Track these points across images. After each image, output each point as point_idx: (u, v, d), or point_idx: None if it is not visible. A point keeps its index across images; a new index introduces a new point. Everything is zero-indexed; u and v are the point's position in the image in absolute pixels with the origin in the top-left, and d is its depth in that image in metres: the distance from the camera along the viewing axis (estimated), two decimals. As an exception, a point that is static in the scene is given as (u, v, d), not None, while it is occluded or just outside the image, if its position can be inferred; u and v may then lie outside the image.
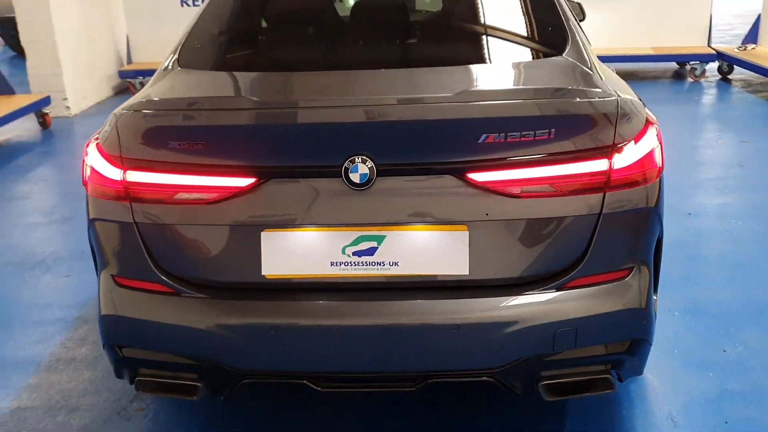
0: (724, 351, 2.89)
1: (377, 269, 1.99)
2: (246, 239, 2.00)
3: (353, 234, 1.98)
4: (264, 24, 2.61)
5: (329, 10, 2.71)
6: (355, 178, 1.91)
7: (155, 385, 2.17)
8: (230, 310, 2.03)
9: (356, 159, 1.89)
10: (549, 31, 2.48)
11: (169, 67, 2.39)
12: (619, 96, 2.01)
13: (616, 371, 2.10)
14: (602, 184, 1.94)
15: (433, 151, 1.93)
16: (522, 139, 1.89)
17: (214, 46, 2.49)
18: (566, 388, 2.08)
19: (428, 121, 1.94)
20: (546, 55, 2.28)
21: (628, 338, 2.05)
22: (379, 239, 1.98)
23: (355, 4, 2.75)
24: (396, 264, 1.99)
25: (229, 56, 2.43)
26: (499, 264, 1.98)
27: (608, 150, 1.94)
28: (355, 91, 2.18)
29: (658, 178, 2.04)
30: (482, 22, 2.60)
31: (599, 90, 2.00)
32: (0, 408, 2.70)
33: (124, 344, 2.13)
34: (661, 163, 2.07)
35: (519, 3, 2.69)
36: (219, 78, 2.33)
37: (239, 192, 1.97)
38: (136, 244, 2.06)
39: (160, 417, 2.59)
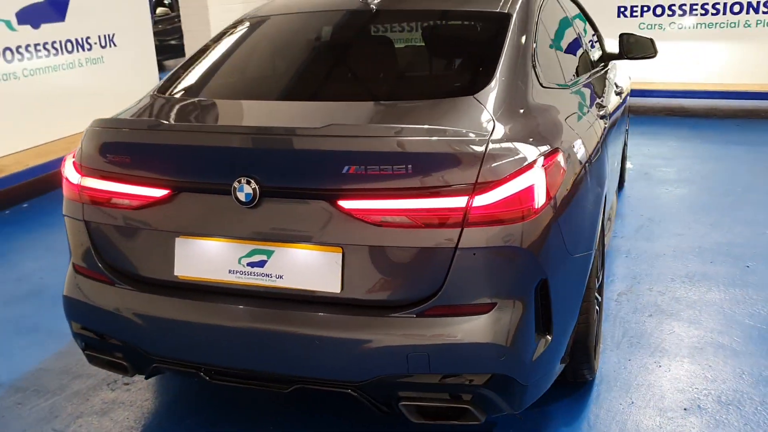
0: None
1: (265, 280, 2.24)
2: (164, 243, 2.33)
3: (248, 247, 2.24)
4: (232, 58, 2.92)
5: (292, 49, 2.98)
6: (241, 196, 2.17)
7: (97, 360, 2.55)
8: (147, 302, 2.36)
9: (242, 180, 2.16)
10: (473, 72, 2.59)
11: (150, 92, 2.78)
12: (490, 139, 2.11)
13: (480, 404, 2.18)
14: (460, 220, 2.06)
15: (307, 178, 2.15)
16: (381, 172, 2.07)
17: (184, 76, 2.85)
18: (431, 412, 2.20)
19: (299, 151, 2.16)
20: (453, 95, 2.40)
21: (484, 372, 2.13)
22: (269, 253, 2.23)
23: (305, 43, 2.99)
24: (281, 277, 2.22)
25: (187, 85, 2.77)
26: (368, 286, 2.16)
27: (469, 188, 2.05)
28: (257, 119, 2.42)
29: (532, 219, 2.11)
30: (408, 61, 2.76)
31: (470, 132, 2.11)
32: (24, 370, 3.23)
33: (76, 321, 2.53)
34: (541, 204, 2.14)
35: (456, 43, 2.82)
36: (168, 103, 2.67)
37: (157, 201, 2.31)
38: (85, 239, 2.46)
39: (141, 390, 2.99)
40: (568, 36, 3.62)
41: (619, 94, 4.00)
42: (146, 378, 2.51)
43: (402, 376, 2.15)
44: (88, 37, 7.09)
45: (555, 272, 2.26)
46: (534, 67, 2.65)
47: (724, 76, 8.29)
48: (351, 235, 2.13)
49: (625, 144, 5.59)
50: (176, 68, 2.93)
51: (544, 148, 2.26)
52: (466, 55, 2.75)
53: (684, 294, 3.72)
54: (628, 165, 6.21)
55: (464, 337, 2.10)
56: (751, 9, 7.97)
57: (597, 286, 2.92)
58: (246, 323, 2.24)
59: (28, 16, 6.40)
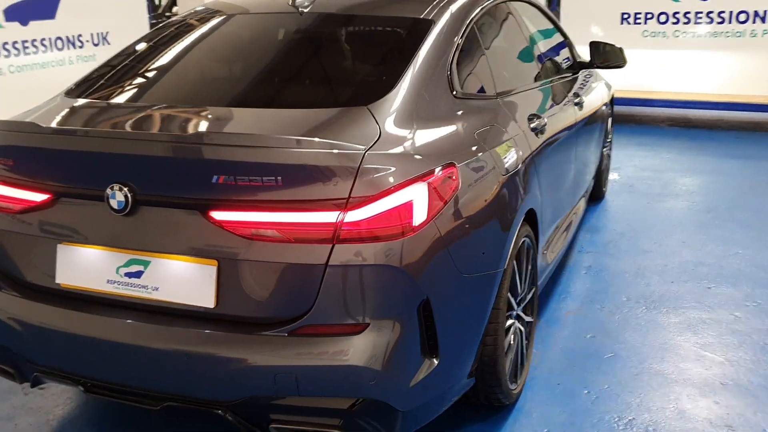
0: None
1: (141, 292, 2.16)
2: (47, 249, 2.26)
3: (126, 256, 2.17)
4: (144, 60, 2.85)
5: (200, 52, 2.90)
6: (113, 203, 2.10)
7: None
8: (29, 308, 2.29)
9: (115, 186, 2.08)
10: (376, 81, 2.48)
11: (58, 94, 2.72)
12: (367, 153, 2.00)
13: (351, 429, 2.07)
14: (330, 236, 1.96)
15: (179, 187, 2.07)
16: (250, 183, 1.98)
17: (95, 77, 2.78)
18: None
19: (170, 158, 2.08)
20: (348, 104, 2.29)
21: (353, 396, 2.03)
22: (146, 264, 2.15)
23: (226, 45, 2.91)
24: (156, 289, 2.14)
25: (92, 86, 2.70)
26: (241, 302, 2.07)
27: (341, 203, 1.95)
28: (138, 124, 2.34)
29: (410, 237, 2.01)
30: (315, 67, 2.66)
31: (346, 144, 2.01)
32: None
33: None
34: (421, 222, 2.03)
35: (369, 50, 2.72)
36: (65, 105, 2.59)
37: (38, 206, 2.24)
38: None
39: (54, 395, 2.93)
40: (516, 45, 3.49)
41: (579, 104, 3.85)
42: (32, 386, 2.45)
43: (272, 398, 2.05)
44: (79, 35, 7.11)
45: (440, 293, 2.14)
46: (449, 76, 2.54)
47: (730, 87, 8.04)
48: (224, 248, 2.04)
49: (607, 155, 5.43)
50: (95, 68, 2.87)
51: (433, 163, 2.15)
52: (374, 63, 2.65)
53: (634, 315, 3.57)
54: (614, 176, 6.04)
55: (332, 359, 2.00)
56: (758, 18, 7.71)
57: (519, 305, 2.80)
58: (119, 336, 2.16)
59: (17, 13, 6.44)
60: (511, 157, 2.62)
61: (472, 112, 2.58)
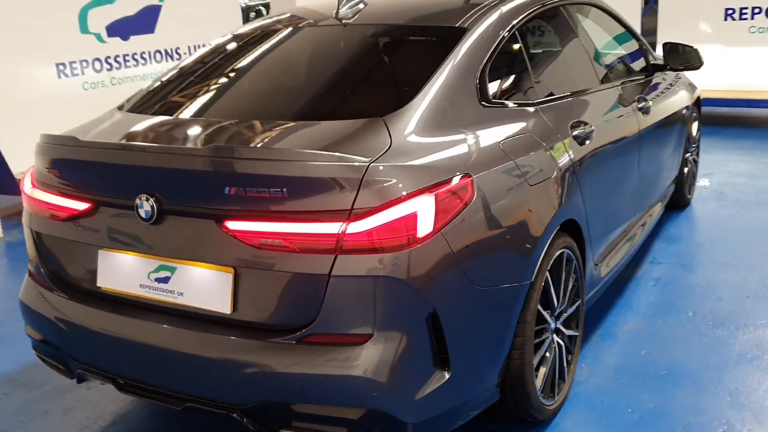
0: None
1: (169, 296, 2.27)
2: (89, 254, 2.43)
3: (156, 262, 2.29)
4: (194, 74, 2.97)
5: (240, 66, 2.98)
6: (141, 213, 2.22)
7: (44, 361, 2.69)
8: (74, 309, 2.46)
9: (143, 197, 2.20)
10: (398, 91, 2.48)
11: (114, 108, 2.90)
12: (372, 164, 2.02)
13: None
14: (334, 246, 1.99)
15: (197, 198, 2.16)
16: (259, 194, 2.04)
17: (148, 91, 2.93)
18: None
19: (190, 171, 2.17)
20: (363, 116, 2.31)
21: (358, 406, 2.05)
22: (172, 270, 2.27)
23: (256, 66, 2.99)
24: (182, 294, 2.25)
25: (142, 100, 2.85)
26: (255, 309, 2.14)
27: (344, 214, 1.98)
28: (168, 137, 2.45)
29: (414, 248, 2.01)
30: (341, 78, 2.68)
31: (351, 156, 2.03)
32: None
33: (27, 324, 2.69)
34: (426, 233, 2.03)
35: (397, 60, 2.72)
36: (110, 119, 2.75)
37: (81, 214, 2.40)
38: (32, 247, 2.61)
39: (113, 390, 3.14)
40: (569, 50, 3.39)
41: (644, 110, 3.68)
42: (78, 382, 2.62)
43: (282, 403, 2.11)
44: (177, 48, 7.50)
45: (450, 305, 2.13)
46: (479, 85, 2.52)
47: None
48: (238, 256, 2.12)
49: (693, 161, 5.16)
50: (151, 83, 3.04)
51: (445, 174, 2.13)
52: (400, 74, 2.65)
53: (698, 332, 3.38)
54: (704, 183, 5.73)
55: (336, 368, 2.03)
56: None
57: (557, 318, 2.73)
58: (148, 338, 2.29)
59: (118, 29, 6.89)
60: (542, 167, 2.55)
61: (502, 121, 2.54)
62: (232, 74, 2.85)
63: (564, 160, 2.72)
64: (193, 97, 2.75)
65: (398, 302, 2.04)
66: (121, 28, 6.92)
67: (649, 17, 8.76)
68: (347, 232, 1.98)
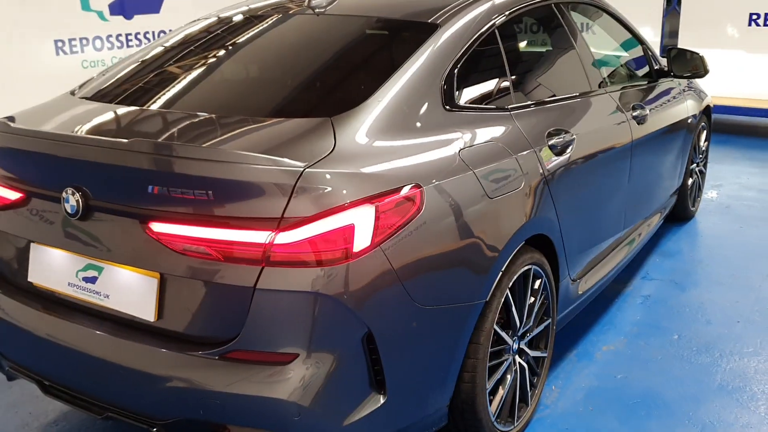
0: None
1: (95, 297, 2.14)
2: (22, 247, 2.30)
3: (85, 260, 2.16)
4: (152, 65, 2.81)
5: (193, 53, 2.81)
6: (67, 207, 2.08)
7: None
8: (5, 304, 2.34)
9: (69, 190, 2.06)
10: (354, 90, 2.30)
11: (66, 93, 2.76)
12: (307, 171, 1.86)
13: None
14: (260, 257, 1.84)
15: (121, 195, 2.02)
16: (183, 196, 1.89)
17: (99, 79, 2.78)
18: None
19: (112, 165, 2.02)
20: (312, 115, 2.14)
21: (280, 430, 1.90)
22: (99, 270, 2.13)
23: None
24: (108, 297, 2.11)
25: (90, 88, 2.70)
26: (179, 319, 2.00)
27: (273, 223, 1.83)
28: (96, 129, 2.29)
29: (348, 263, 1.85)
30: (300, 73, 2.50)
31: (283, 160, 1.86)
32: None
33: None
34: (363, 248, 1.86)
35: (362, 56, 2.54)
36: (55, 105, 2.59)
37: (12, 204, 2.27)
38: None
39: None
40: (557, 53, 3.20)
41: (638, 118, 3.47)
42: (8, 380, 2.50)
43: (202, 422, 1.96)
44: None
45: (388, 326, 1.97)
46: (444, 87, 2.34)
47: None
48: (162, 261, 1.98)
49: (699, 172, 4.94)
50: (107, 69, 2.89)
51: (390, 184, 1.97)
52: (360, 71, 2.47)
53: (680, 356, 3.18)
54: (711, 195, 5.49)
55: (257, 389, 1.88)
56: None
57: (521, 339, 2.56)
58: (73, 341, 2.15)
59: (121, 7, 6.77)
60: (506, 178, 2.38)
61: (467, 127, 2.36)
62: (186, 64, 2.69)
63: (535, 171, 2.53)
64: (143, 86, 2.60)
65: (328, 321, 1.88)
66: (125, 7, 6.80)
67: (671, 18, 8.46)
68: (275, 242, 1.83)
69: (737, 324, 3.48)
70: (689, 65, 3.93)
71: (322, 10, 2.80)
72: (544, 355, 2.78)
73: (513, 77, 2.73)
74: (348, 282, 1.86)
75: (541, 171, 2.56)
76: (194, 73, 2.62)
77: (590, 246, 3.15)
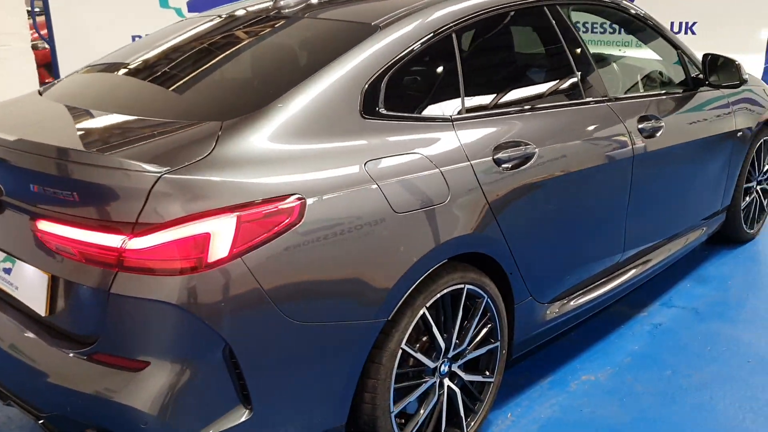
0: None
1: (10, 288, 2.23)
2: None
3: (2, 253, 2.26)
4: (102, 65, 2.89)
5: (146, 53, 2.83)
6: None
7: None
8: None
9: None
10: (255, 95, 2.22)
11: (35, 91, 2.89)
12: (163, 175, 1.83)
13: None
14: (114, 261, 1.84)
15: (17, 193, 2.08)
16: (55, 196, 1.93)
17: (61, 79, 2.89)
18: None
19: (7, 163, 2.09)
20: (205, 118, 2.09)
21: None
22: (13, 262, 2.22)
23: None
24: (17, 288, 2.20)
25: (52, 87, 2.79)
26: (63, 316, 2.05)
27: (128, 228, 1.82)
28: (22, 127, 2.35)
29: (204, 273, 1.81)
30: (212, 74, 2.45)
31: (140, 164, 1.85)
32: None
33: None
34: (219, 258, 1.82)
35: (286, 58, 2.47)
36: (20, 102, 2.71)
37: None
38: None
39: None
40: (534, 58, 2.99)
41: (646, 131, 3.16)
42: None
43: (71, 420, 2.00)
44: None
45: (253, 340, 1.91)
46: (367, 92, 2.24)
47: None
48: (46, 259, 2.03)
49: (763, 192, 4.48)
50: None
51: (266, 193, 1.91)
52: (277, 73, 2.39)
53: (664, 394, 2.89)
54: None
55: (111, 393, 1.88)
56: None
57: (453, 361, 2.44)
58: None
59: (200, 5, 7.03)
60: (424, 192, 2.23)
61: (385, 136, 2.25)
62: (131, 64, 2.74)
63: (470, 186, 2.37)
64: (78, 86, 2.69)
65: (181, 332, 1.85)
66: (203, 4, 7.07)
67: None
68: (127, 247, 1.82)
69: (747, 364, 3.12)
70: (724, 74, 3.56)
71: (269, 13, 2.79)
72: (490, 380, 2.62)
73: (468, 86, 2.56)
74: (201, 293, 1.83)
75: (477, 186, 2.40)
76: (127, 76, 2.68)
77: (567, 268, 2.92)
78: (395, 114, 2.32)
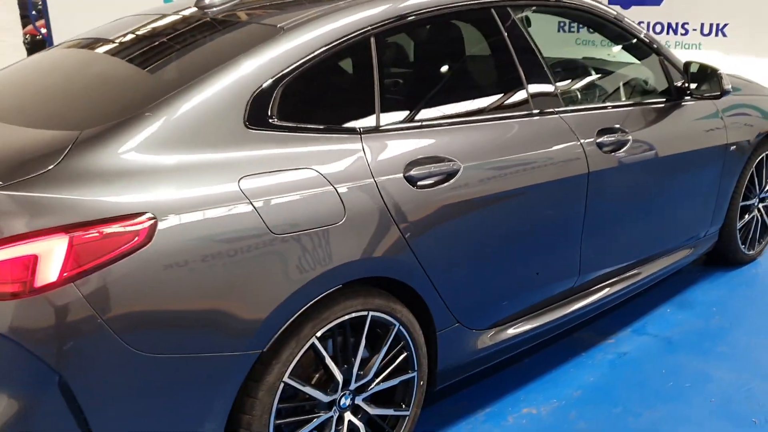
0: None
1: None
2: None
3: None
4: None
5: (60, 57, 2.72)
6: None
7: None
8: None
9: None
10: (130, 101, 2.07)
11: None
12: None
13: None
14: None
15: None
16: None
17: None
18: None
19: None
20: (72, 128, 1.94)
21: None
22: None
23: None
24: None
25: None
26: None
27: None
28: None
29: (28, 299, 1.66)
30: (104, 79, 2.33)
31: None
32: None
33: None
34: (47, 283, 1.67)
35: (179, 63, 2.30)
36: None
37: None
38: None
39: None
40: (472, 66, 2.76)
41: (605, 144, 2.89)
42: None
43: None
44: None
45: (90, 372, 1.76)
46: (256, 101, 2.07)
47: None
48: None
49: (765, 210, 4.14)
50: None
51: (108, 212, 1.75)
52: (162, 80, 2.21)
53: (608, 436, 2.66)
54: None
55: None
56: None
57: (356, 395, 2.27)
58: None
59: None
60: (310, 212, 2.04)
61: (272, 149, 2.06)
62: (45, 67, 2.63)
63: (373, 205, 2.17)
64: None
65: (8, 362, 1.71)
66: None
67: None
68: None
69: (708, 405, 2.84)
70: (706, 83, 3.27)
71: (179, 14, 2.67)
72: (405, 413, 2.42)
73: (386, 96, 2.36)
74: (27, 320, 1.68)
75: (382, 205, 2.20)
76: (27, 82, 2.57)
77: (504, 294, 2.70)
78: (290, 125, 2.14)
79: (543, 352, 3.21)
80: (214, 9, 2.63)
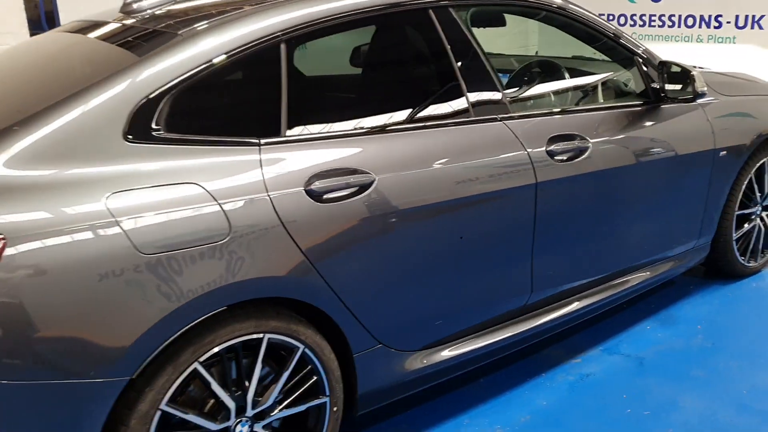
0: None
1: None
2: None
3: None
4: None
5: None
6: None
7: None
8: None
9: None
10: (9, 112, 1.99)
11: None
12: None
13: None
14: None
15: None
16: None
17: None
18: None
19: None
20: None
21: None
22: None
23: None
24: None
25: None
26: None
27: None
28: None
29: None
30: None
31: None
32: None
33: None
34: None
35: (64, 72, 2.21)
36: None
37: None
38: None
39: None
40: (398, 71, 2.59)
41: (556, 152, 2.68)
42: None
43: None
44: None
45: None
46: (140, 112, 1.96)
47: None
48: None
49: (759, 217, 3.84)
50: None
51: None
52: (41, 91, 2.11)
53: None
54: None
55: None
56: None
57: (258, 419, 2.16)
58: None
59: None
60: (186, 230, 1.92)
61: (154, 163, 1.94)
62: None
63: (267, 221, 2.03)
64: None
65: None
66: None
67: None
68: None
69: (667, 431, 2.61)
70: (677, 85, 3.02)
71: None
72: (313, 438, 2.29)
73: (294, 106, 2.21)
74: None
75: (278, 222, 2.06)
76: None
77: (437, 313, 2.52)
78: (178, 137, 2.02)
79: (503, 370, 3.03)
80: (138, 14, 2.54)
